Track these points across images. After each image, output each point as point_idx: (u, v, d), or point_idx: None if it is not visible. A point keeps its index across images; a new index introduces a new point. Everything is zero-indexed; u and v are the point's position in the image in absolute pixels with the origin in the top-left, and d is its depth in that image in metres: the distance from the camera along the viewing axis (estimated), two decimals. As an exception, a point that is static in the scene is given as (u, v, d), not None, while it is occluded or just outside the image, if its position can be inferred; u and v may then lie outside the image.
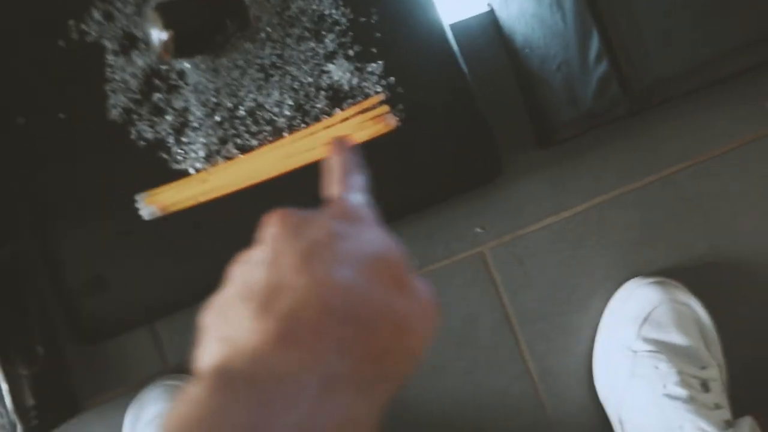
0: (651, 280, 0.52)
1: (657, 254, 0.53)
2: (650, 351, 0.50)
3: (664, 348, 0.50)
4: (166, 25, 0.40)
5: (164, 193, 0.46)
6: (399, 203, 0.49)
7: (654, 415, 0.49)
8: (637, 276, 0.53)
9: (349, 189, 0.33)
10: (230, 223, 0.46)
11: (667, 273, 0.53)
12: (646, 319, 0.51)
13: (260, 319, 0.24)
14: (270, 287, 0.25)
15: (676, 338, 0.50)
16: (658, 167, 0.53)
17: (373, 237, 0.29)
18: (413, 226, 0.53)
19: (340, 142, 0.37)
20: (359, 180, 0.34)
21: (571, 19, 0.41)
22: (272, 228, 0.28)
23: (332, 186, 0.34)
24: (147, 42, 0.45)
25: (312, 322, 0.24)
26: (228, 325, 0.24)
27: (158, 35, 0.41)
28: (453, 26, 0.53)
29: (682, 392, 0.48)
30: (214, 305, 0.26)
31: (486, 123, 0.49)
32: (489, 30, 0.53)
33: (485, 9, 0.54)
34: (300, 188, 0.47)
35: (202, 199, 0.46)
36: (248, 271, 0.26)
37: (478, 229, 0.53)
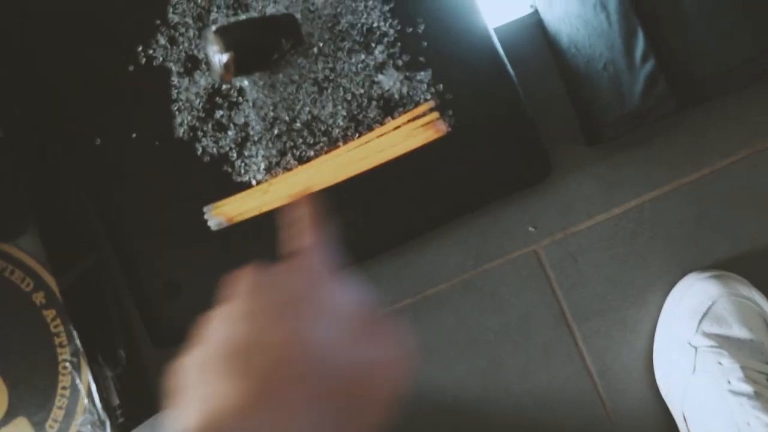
0: (709, 273, 0.51)
1: (715, 248, 0.52)
2: (711, 346, 0.49)
3: (725, 343, 0.49)
4: (226, 48, 0.43)
5: (229, 205, 0.49)
6: (451, 205, 0.51)
7: (719, 412, 0.48)
8: (694, 270, 0.53)
9: (313, 242, 0.34)
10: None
11: (726, 266, 0.52)
12: (705, 314, 0.50)
13: (241, 377, 0.24)
14: (247, 345, 0.25)
15: (739, 332, 0.49)
16: (711, 159, 0.52)
17: (340, 291, 0.30)
18: (467, 226, 0.54)
19: (303, 196, 0.38)
20: (323, 233, 0.35)
21: (616, 20, 0.41)
22: (244, 285, 0.29)
23: (297, 239, 0.34)
24: (208, 63, 0.48)
25: (291, 379, 0.24)
26: (208, 384, 0.25)
27: (219, 57, 0.43)
28: (497, 29, 0.54)
29: (747, 388, 0.47)
30: (192, 364, 0.26)
31: (533, 124, 0.50)
32: (533, 31, 0.54)
33: (529, 11, 0.55)
34: (355, 195, 0.49)
35: (265, 209, 0.48)
36: (223, 329, 0.27)
37: (531, 228, 0.54)
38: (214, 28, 0.44)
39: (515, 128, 0.50)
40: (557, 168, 0.52)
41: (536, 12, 0.55)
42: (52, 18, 0.51)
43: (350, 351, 0.27)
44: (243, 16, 0.50)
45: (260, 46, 0.45)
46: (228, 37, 0.43)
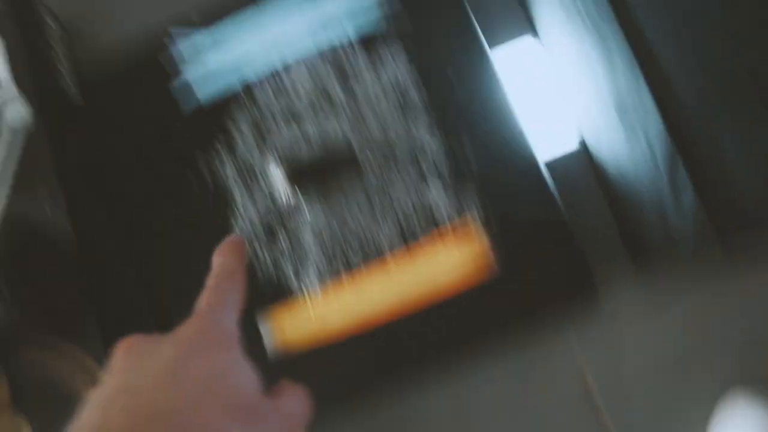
0: (764, 393, 0.50)
1: (765, 366, 0.51)
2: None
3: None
4: (289, 180, 0.46)
5: (282, 316, 0.52)
6: (495, 336, 0.51)
7: None
8: (747, 388, 0.51)
9: (219, 302, 0.30)
10: (344, 345, 0.50)
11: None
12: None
13: None
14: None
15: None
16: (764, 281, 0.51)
17: (226, 363, 0.27)
18: (511, 356, 0.53)
19: (229, 244, 0.34)
20: (234, 293, 0.31)
21: (664, 166, 0.42)
22: (119, 358, 0.27)
23: (203, 295, 0.31)
24: (267, 184, 0.51)
25: None
26: None
27: (281, 185, 0.46)
28: (546, 163, 0.55)
29: None
30: None
31: (582, 253, 0.50)
32: (580, 163, 0.55)
33: (575, 147, 0.56)
34: (401, 321, 0.50)
35: (317, 322, 0.50)
36: (98, 411, 0.25)
37: (576, 351, 0.53)
38: (275, 157, 0.47)
39: (563, 257, 0.51)
40: (604, 293, 0.52)
41: (584, 145, 0.55)
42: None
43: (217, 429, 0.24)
44: (297, 129, 0.53)
45: (319, 173, 0.48)
46: (290, 168, 0.46)
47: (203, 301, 0.31)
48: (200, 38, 0.55)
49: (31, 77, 0.55)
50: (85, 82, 0.61)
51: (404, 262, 0.50)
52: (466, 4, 0.53)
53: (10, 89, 0.55)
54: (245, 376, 0.27)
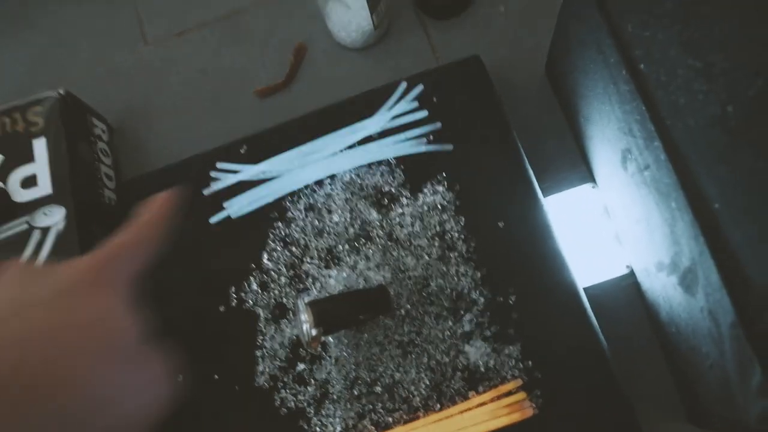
0: None
1: None
2: None
3: None
4: (316, 323, 0.43)
5: (301, 466, 0.48)
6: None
7: None
8: None
9: (120, 248, 0.31)
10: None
11: None
12: None
13: None
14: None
15: None
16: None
17: (109, 306, 0.27)
18: None
19: (158, 200, 0.34)
20: (140, 247, 0.32)
21: (729, 344, 0.39)
22: (11, 276, 0.28)
23: (110, 238, 0.31)
24: (296, 324, 0.48)
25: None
26: None
27: (307, 328, 0.44)
28: (593, 287, 0.53)
29: None
30: None
31: (631, 408, 0.46)
32: (628, 293, 0.52)
33: (624, 271, 0.53)
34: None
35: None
36: None
37: None
38: (306, 299, 0.44)
39: (609, 411, 0.46)
40: None
41: (632, 273, 0.53)
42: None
43: (72, 366, 0.25)
44: (333, 270, 0.51)
45: (348, 318, 0.45)
46: (319, 311, 0.43)
47: (107, 244, 0.31)
48: (242, 172, 0.54)
49: (70, 178, 0.54)
50: (122, 183, 0.60)
51: (436, 422, 0.46)
52: (524, 156, 0.52)
53: (47, 189, 0.54)
54: (126, 321, 0.28)
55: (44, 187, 0.55)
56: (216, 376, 0.50)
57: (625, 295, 0.53)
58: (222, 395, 0.50)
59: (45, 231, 0.54)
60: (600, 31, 0.44)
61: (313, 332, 0.43)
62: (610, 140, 0.48)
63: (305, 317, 0.44)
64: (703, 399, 0.47)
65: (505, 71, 0.61)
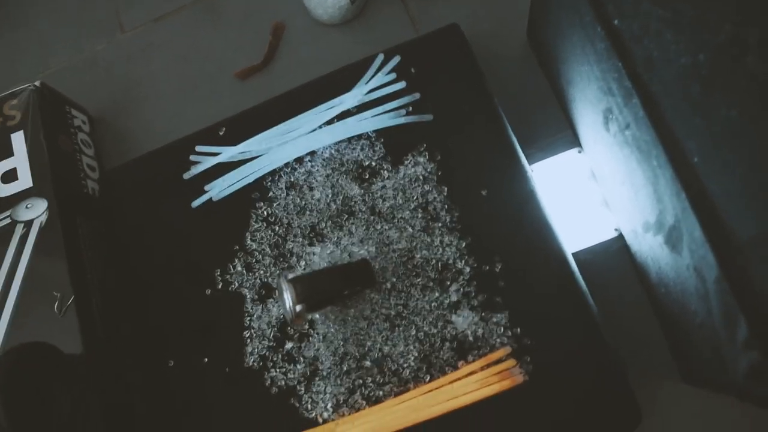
0: None
1: None
2: None
3: None
4: (299, 299, 0.43)
5: (294, 442, 0.48)
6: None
7: None
8: None
9: None
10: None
11: None
12: None
13: None
14: None
15: None
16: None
17: None
18: None
19: None
20: None
21: (715, 299, 0.38)
22: None
23: None
24: (281, 302, 0.48)
25: None
26: None
27: (291, 304, 0.43)
28: (581, 252, 0.52)
29: None
30: None
31: (621, 370, 0.46)
32: (619, 256, 0.52)
33: (613, 234, 0.53)
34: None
35: (331, 449, 0.46)
36: None
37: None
38: (289, 276, 0.44)
39: (599, 375, 0.46)
40: (646, 403, 0.48)
41: (621, 236, 0.53)
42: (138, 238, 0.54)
43: None
44: (317, 247, 0.50)
45: (332, 293, 0.45)
46: (302, 287, 0.43)
47: None
48: (221, 154, 0.54)
49: (51, 170, 0.54)
50: (105, 173, 0.60)
51: (427, 393, 0.46)
52: (506, 123, 0.51)
53: (28, 183, 0.54)
54: None
55: (25, 180, 0.55)
56: (206, 359, 0.50)
57: (615, 258, 0.53)
58: (213, 378, 0.50)
59: (28, 224, 0.54)
60: (574, -11, 0.43)
61: (297, 308, 0.43)
62: (592, 102, 0.47)
63: (288, 294, 0.43)
64: (695, 359, 0.46)
65: (486, 41, 0.60)
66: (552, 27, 0.50)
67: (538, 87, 0.58)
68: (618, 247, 0.53)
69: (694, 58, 0.34)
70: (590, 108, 0.48)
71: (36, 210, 0.54)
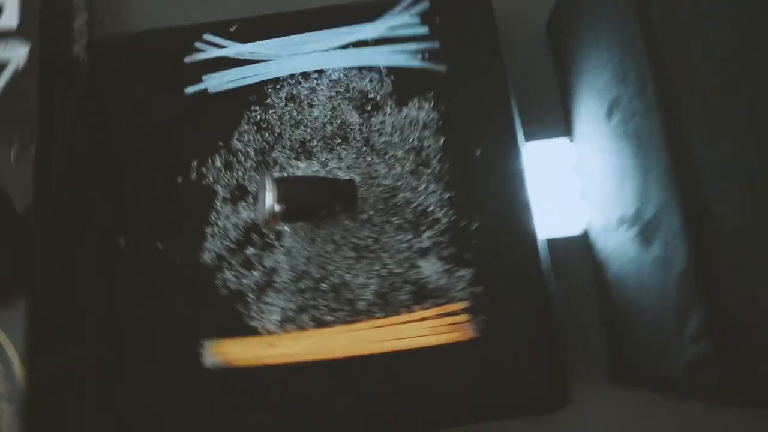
0: None
1: None
2: None
3: None
4: (280, 199, 0.42)
5: (231, 347, 0.47)
6: (454, 412, 0.47)
7: None
8: None
9: None
10: (287, 389, 0.46)
11: None
12: None
13: None
14: None
15: None
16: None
17: None
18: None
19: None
20: None
21: (674, 295, 0.40)
22: None
23: None
24: (256, 202, 0.47)
25: None
26: None
27: (269, 204, 0.42)
28: (550, 242, 0.53)
29: None
30: None
31: (562, 353, 0.47)
32: (585, 254, 0.53)
33: (581, 230, 0.54)
34: (363, 373, 0.46)
35: (267, 362, 0.46)
36: None
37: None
38: (275, 174, 0.43)
39: (541, 351, 0.47)
40: (573, 397, 0.49)
41: (586, 234, 0.54)
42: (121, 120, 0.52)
43: None
44: (303, 163, 0.49)
45: (313, 204, 0.44)
46: (285, 188, 0.42)
47: None
48: (228, 48, 0.52)
49: (40, 14, 0.51)
50: (95, 41, 0.57)
51: (377, 327, 0.46)
52: (511, 95, 0.52)
53: (13, 20, 0.51)
54: None
55: (10, 17, 0.52)
56: (160, 245, 0.49)
57: (577, 253, 0.55)
58: (161, 265, 0.48)
59: (3, 64, 0.51)
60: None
61: (276, 207, 0.42)
62: (600, 92, 0.49)
63: (270, 193, 0.43)
64: (635, 356, 0.48)
65: (505, 24, 0.61)
66: (584, 11, 0.51)
67: (546, 76, 0.59)
68: (583, 244, 0.54)
69: (724, 52, 0.36)
70: (596, 97, 0.50)
71: (15, 51, 0.51)
